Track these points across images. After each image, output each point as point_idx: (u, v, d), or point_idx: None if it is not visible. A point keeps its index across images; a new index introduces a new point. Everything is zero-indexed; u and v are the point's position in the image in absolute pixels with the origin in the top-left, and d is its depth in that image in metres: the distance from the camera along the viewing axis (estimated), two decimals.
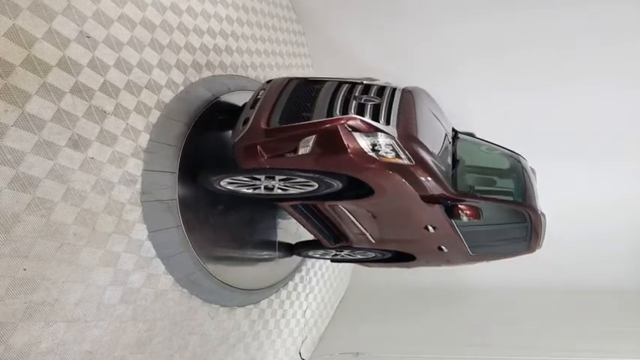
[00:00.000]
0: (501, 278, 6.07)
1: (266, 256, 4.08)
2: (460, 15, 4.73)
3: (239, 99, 3.63)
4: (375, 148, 2.68)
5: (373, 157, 2.67)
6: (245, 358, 3.79)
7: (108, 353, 2.43)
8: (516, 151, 4.04)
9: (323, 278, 5.46)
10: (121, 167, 2.53)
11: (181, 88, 3.11)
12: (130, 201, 2.59)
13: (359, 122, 2.69)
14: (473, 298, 6.05)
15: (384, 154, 2.69)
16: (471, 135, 3.83)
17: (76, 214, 2.24)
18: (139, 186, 2.65)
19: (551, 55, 4.79)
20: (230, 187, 3.07)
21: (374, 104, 2.84)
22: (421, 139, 2.86)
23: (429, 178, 2.84)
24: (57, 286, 2.14)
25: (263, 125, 2.80)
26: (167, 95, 2.96)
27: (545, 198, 3.97)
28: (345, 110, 2.78)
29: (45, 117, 2.08)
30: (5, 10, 1.95)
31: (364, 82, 3.06)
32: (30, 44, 2.04)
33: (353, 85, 3.03)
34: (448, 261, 3.93)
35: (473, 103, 5.32)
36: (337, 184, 2.90)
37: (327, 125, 2.68)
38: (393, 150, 2.70)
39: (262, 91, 3.07)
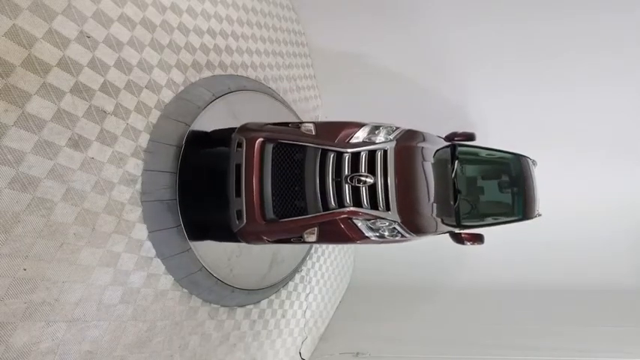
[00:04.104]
0: (502, 278, 6.08)
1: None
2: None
3: (238, 99, 3.62)
4: (380, 232, 2.80)
5: (378, 240, 2.83)
6: (245, 358, 3.79)
7: (108, 353, 2.43)
8: (515, 152, 4.04)
9: (323, 278, 5.46)
10: (121, 167, 2.53)
11: (181, 88, 3.11)
12: (130, 201, 2.59)
13: (359, 213, 2.73)
14: (473, 298, 6.05)
15: (388, 236, 2.83)
16: (470, 137, 3.79)
17: (76, 214, 2.24)
18: (139, 186, 2.65)
19: (565, 56, 4.81)
20: None
21: (369, 185, 2.75)
22: (424, 210, 3.00)
23: (434, 235, 3.26)
24: (57, 286, 2.14)
25: (259, 220, 2.78)
26: (167, 95, 2.96)
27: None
28: (340, 200, 2.74)
29: (45, 117, 2.08)
30: (5, 10, 1.95)
31: (348, 150, 2.79)
32: (30, 44, 2.04)
33: (339, 155, 2.78)
34: None
35: (476, 99, 5.32)
36: None
37: (328, 219, 2.72)
38: (399, 233, 2.83)
39: (237, 167, 2.83)
